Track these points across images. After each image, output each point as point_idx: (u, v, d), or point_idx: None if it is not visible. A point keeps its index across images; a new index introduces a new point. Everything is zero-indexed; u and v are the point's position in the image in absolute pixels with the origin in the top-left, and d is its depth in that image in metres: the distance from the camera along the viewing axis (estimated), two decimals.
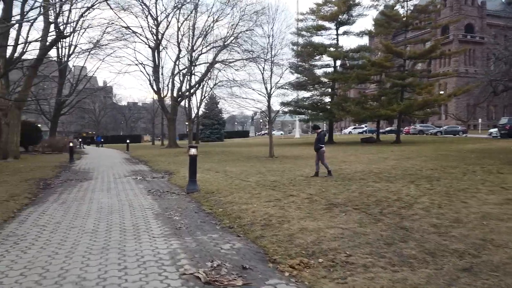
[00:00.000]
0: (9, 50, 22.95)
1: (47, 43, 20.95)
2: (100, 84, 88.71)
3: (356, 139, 39.56)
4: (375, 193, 7.44)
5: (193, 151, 8.91)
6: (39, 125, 62.76)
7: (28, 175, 12.22)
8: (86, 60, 44.87)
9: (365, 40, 48.47)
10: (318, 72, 38.18)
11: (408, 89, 34.51)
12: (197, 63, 29.73)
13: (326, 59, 38.43)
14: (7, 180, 10.80)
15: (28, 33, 25.16)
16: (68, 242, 4.58)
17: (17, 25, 22.30)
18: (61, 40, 23.24)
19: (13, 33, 22.68)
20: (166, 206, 6.97)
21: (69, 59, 42.59)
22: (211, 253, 4.13)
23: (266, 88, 19.36)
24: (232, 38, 30.76)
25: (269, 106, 19.72)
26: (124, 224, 5.56)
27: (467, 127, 53.86)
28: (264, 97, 19.58)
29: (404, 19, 35.49)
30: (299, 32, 37.76)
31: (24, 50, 20.41)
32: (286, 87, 33.40)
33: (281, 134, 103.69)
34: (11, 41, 21.56)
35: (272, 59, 19.43)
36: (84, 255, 4.05)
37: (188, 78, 25.78)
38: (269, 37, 19.31)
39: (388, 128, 59.89)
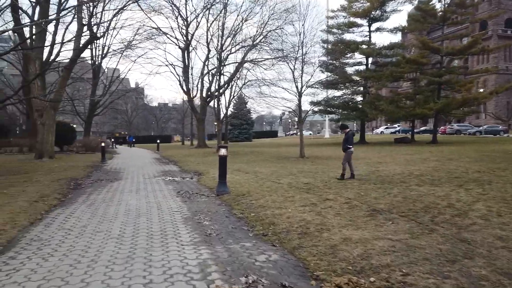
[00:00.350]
0: (45, 54, 23.69)
1: (81, 45, 21.34)
2: (132, 85, 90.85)
3: (389, 139, 38.17)
4: (421, 198, 6.77)
5: (223, 151, 8.54)
6: (74, 126, 65.00)
7: (60, 175, 12.30)
8: (118, 62, 46.17)
9: (398, 37, 46.87)
10: (350, 70, 37.20)
11: (445, 87, 32.88)
12: (226, 63, 29.54)
13: (358, 57, 37.36)
14: (40, 180, 10.86)
15: (63, 36, 25.89)
16: (92, 248, 4.28)
17: (53, 28, 22.95)
18: (94, 41, 23.57)
19: (49, 37, 23.38)
20: (195, 209, 6.63)
21: (102, 60, 43.90)
22: (245, 265, 3.70)
23: (297, 87, 18.81)
24: (261, 37, 30.43)
25: (299, 105, 19.14)
26: (152, 228, 5.24)
27: (508, 127, 50.91)
28: (295, 96, 19.03)
29: (441, 13, 33.84)
30: (329, 30, 36.88)
31: (59, 50, 20.94)
32: (316, 86, 32.69)
33: (310, 134, 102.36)
34: (47, 44, 22.18)
35: (303, 57, 18.85)
36: (107, 265, 3.73)
37: (217, 78, 25.58)
38: (300, 34, 18.74)
39: (423, 128, 57.60)
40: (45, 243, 4.49)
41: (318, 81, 31.63)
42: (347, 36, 37.27)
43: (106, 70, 49.16)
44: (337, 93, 37.24)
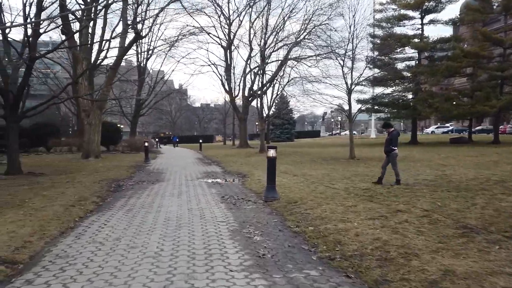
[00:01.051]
0: (93, 57, 24.11)
1: (126, 44, 21.40)
2: (176, 87, 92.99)
3: (442, 139, 35.51)
4: None
5: (272, 152, 7.63)
6: (121, 126, 67.01)
7: (103, 175, 12.01)
8: (162, 63, 46.74)
9: (448, 30, 43.54)
10: (400, 66, 34.99)
11: (508, 81, 29.85)
12: (268, 61, 28.66)
13: (409, 52, 35.06)
14: (82, 180, 10.56)
15: (110, 37, 26.32)
16: (123, 272, 3.53)
17: (100, 30, 23.27)
18: (139, 40, 23.64)
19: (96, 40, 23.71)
20: (243, 219, 5.77)
21: (147, 62, 44.73)
22: None
23: (346, 83, 17.52)
24: (304, 33, 29.25)
25: (349, 103, 17.82)
26: (194, 244, 4.42)
27: None
28: (345, 93, 17.75)
29: (504, 2, 30.79)
30: (378, 24, 34.90)
31: (106, 52, 21.10)
32: (363, 83, 31.05)
33: (355, 133, 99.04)
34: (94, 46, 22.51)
35: (354, 51, 17.53)
36: None
37: (261, 76, 24.78)
38: (350, 27, 17.43)
39: (478, 127, 53.41)
40: (70, 261, 3.81)
41: (365, 78, 30.03)
42: (398, 30, 35.10)
43: (151, 71, 50.21)
44: (386, 90, 35.23)
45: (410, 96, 35.32)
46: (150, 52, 43.92)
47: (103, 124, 29.00)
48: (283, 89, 24.48)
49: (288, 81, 24.40)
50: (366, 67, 22.80)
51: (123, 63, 49.62)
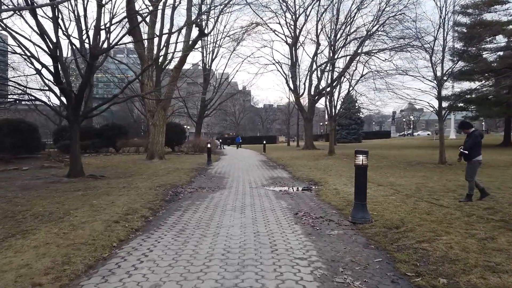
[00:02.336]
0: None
1: (190, 42, 20.80)
2: (240, 88, 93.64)
3: None
4: None
5: (361, 159, 5.82)
6: (187, 127, 68.53)
7: (162, 180, 11.07)
8: (226, 64, 46.39)
9: None
10: (489, 57, 30.56)
11: None
12: (338, 56, 26.44)
13: (502, 41, 30.53)
14: (139, 186, 9.64)
15: (177, 39, 26.14)
16: None
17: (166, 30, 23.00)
18: (202, 38, 22.97)
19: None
20: (330, 256, 4.11)
21: (212, 63, 44.76)
22: None
23: (435, 75, 14.95)
24: (377, 25, 26.52)
25: (439, 98, 15.18)
26: None
27: None
28: (434, 86, 15.18)
29: None
30: (463, 11, 30.87)
31: (173, 53, 20.64)
32: (445, 78, 27.46)
33: (428, 134, 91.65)
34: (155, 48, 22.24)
35: (445, 38, 14.91)
36: None
37: (330, 69, 22.72)
38: (441, 9, 14.82)
39: None
40: None
41: (447, 72, 26.49)
42: (488, 16, 30.74)
43: (216, 72, 50.38)
44: (473, 85, 31.02)
45: (504, 91, 30.75)
46: (215, 51, 43.97)
47: (168, 124, 29.01)
48: (356, 84, 22.22)
49: (362, 75, 22.08)
50: (457, 61, 19.76)
51: (190, 66, 50.49)
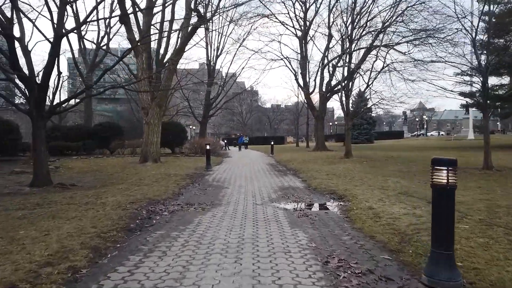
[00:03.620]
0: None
1: (189, 29, 18.44)
2: (246, 87, 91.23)
3: None
4: None
5: (445, 175, 3.34)
6: (193, 127, 66.13)
7: (143, 191, 8.70)
8: (232, 60, 43.80)
9: None
10: None
11: None
12: (354, 48, 23.80)
13: None
14: (106, 201, 7.28)
15: (179, 35, 23.84)
16: None
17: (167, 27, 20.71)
18: (202, 25, 20.59)
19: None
20: None
21: (217, 60, 42.48)
22: None
23: (480, 65, 12.42)
24: (395, 16, 23.80)
25: (485, 91, 12.61)
26: None
27: None
28: (475, 76, 12.63)
29: None
30: None
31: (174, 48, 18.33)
32: (469, 72, 24.82)
33: (441, 134, 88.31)
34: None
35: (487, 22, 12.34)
36: None
37: (347, 62, 20.13)
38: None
39: None
40: None
41: (471, 67, 23.77)
42: None
43: (221, 69, 48.07)
44: (503, 81, 28.18)
45: None
46: (220, 47, 41.73)
47: (167, 124, 26.72)
48: (376, 76, 19.58)
49: (384, 67, 19.44)
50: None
51: (196, 65, 48.05)
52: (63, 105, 11.87)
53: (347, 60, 20.23)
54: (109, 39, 32.46)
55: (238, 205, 7.24)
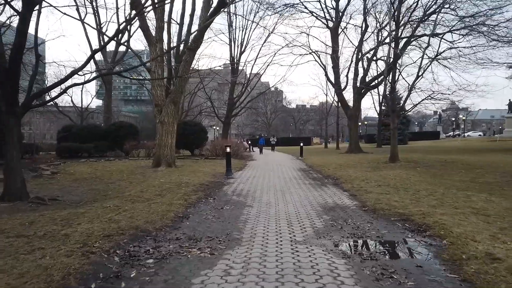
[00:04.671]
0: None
1: (207, 15, 16.07)
2: (272, 89, 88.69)
3: None
4: None
5: None
6: (217, 128, 64.04)
7: (132, 212, 6.27)
8: (257, 57, 41.24)
9: None
10: None
11: None
12: (399, 35, 20.65)
13: None
14: (68, 235, 4.88)
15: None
16: None
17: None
18: (223, 10, 18.18)
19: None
20: None
21: (241, 56, 40.17)
22: None
23: None
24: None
25: None
26: None
27: None
28: None
29: None
30: None
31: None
32: None
33: (480, 135, 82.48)
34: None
35: None
36: None
37: (393, 46, 17.09)
38: None
39: None
40: None
41: None
42: None
43: (245, 66, 45.61)
44: None
45: None
46: (244, 43, 39.45)
47: (185, 123, 24.50)
48: (432, 61, 16.46)
49: (437, 55, 16.31)
50: None
51: (219, 66, 45.93)
52: (50, 96, 9.65)
53: (393, 43, 17.17)
54: (129, 36, 30.82)
55: (268, 243, 4.65)
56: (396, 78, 17.00)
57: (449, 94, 15.25)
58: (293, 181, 11.27)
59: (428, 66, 16.18)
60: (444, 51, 15.73)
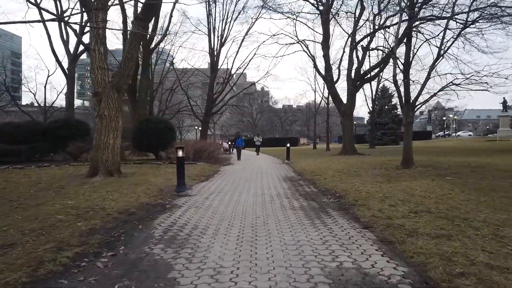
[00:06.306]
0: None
1: None
2: (258, 88, 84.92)
3: None
4: None
5: None
6: (199, 128, 59.72)
7: None
8: (238, 50, 37.02)
9: None
10: None
11: None
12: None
13: None
14: None
15: None
16: None
17: None
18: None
19: None
20: None
21: (221, 48, 36.18)
22: None
23: None
24: None
25: None
26: None
27: None
28: None
29: None
30: None
31: None
32: None
33: (470, 135, 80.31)
34: None
35: None
36: None
37: (407, 11, 13.04)
38: None
39: None
40: None
41: None
42: None
43: (226, 60, 41.47)
44: None
45: None
46: (224, 34, 35.47)
47: (147, 120, 20.28)
48: (449, 47, 12.62)
49: (461, 31, 12.49)
50: None
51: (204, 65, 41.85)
52: None
53: (408, 21, 13.27)
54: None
55: None
56: (410, 60, 13.09)
57: (480, 79, 11.43)
58: (275, 204, 7.24)
59: (455, 41, 12.33)
60: (477, 19, 11.81)
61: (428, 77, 12.12)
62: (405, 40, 13.50)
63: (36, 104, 46.09)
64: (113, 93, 12.19)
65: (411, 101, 12.54)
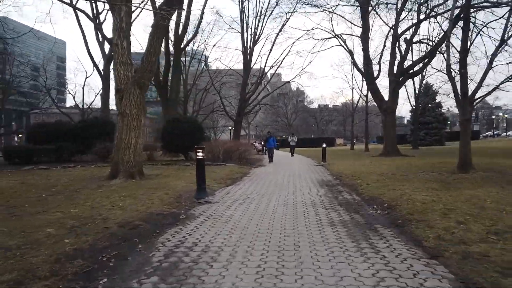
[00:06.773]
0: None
1: None
2: (293, 88, 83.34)
3: None
4: None
5: None
6: (232, 127, 59.32)
7: None
8: (271, 48, 35.78)
9: None
10: None
11: None
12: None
13: None
14: None
15: None
16: None
17: None
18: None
19: None
20: None
21: (254, 46, 35.23)
22: None
23: None
24: None
25: None
26: None
27: None
28: None
29: None
30: None
31: None
32: None
33: (508, 135, 74.09)
34: None
35: None
36: None
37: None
38: None
39: None
40: None
41: None
42: None
43: (259, 59, 40.47)
44: None
45: None
46: (258, 32, 34.50)
47: (175, 120, 19.61)
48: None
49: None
50: None
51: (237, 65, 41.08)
52: None
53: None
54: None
55: None
56: (468, 46, 11.30)
57: None
58: (310, 217, 5.96)
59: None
60: None
61: (490, 66, 10.31)
62: (461, 24, 11.70)
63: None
64: (135, 90, 11.39)
65: (469, 95, 10.76)
